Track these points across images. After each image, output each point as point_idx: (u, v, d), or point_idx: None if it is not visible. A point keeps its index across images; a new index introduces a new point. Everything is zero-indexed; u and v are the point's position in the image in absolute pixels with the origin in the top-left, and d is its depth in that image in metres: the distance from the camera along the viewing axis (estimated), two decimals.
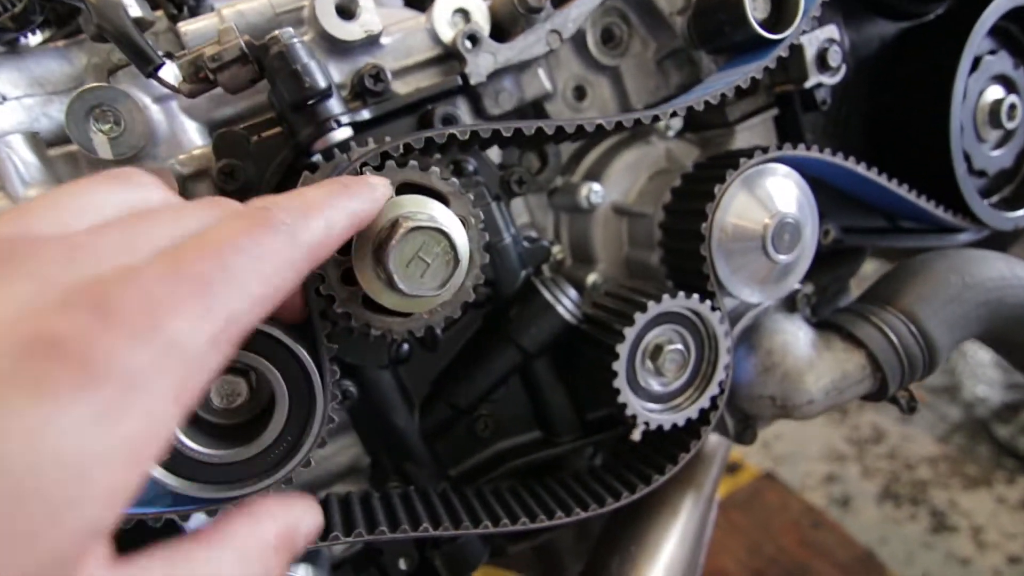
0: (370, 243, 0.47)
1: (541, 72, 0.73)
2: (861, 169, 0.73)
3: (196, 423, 0.52)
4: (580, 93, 0.79)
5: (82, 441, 0.24)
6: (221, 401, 0.53)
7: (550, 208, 0.83)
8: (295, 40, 0.54)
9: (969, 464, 2.42)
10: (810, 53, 0.74)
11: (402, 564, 0.68)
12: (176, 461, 0.50)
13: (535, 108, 0.76)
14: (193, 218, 0.34)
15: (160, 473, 0.49)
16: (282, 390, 0.51)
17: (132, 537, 0.40)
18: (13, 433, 0.23)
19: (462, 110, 0.68)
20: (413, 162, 0.52)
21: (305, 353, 0.51)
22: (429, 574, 0.70)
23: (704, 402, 0.68)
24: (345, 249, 0.48)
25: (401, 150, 0.53)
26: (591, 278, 0.80)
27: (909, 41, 0.86)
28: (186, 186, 0.62)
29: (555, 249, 0.81)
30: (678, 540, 0.78)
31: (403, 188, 0.52)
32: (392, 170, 0.51)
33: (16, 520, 0.23)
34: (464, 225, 0.52)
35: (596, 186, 0.78)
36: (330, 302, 0.50)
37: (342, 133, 0.57)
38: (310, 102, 0.55)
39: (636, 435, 0.75)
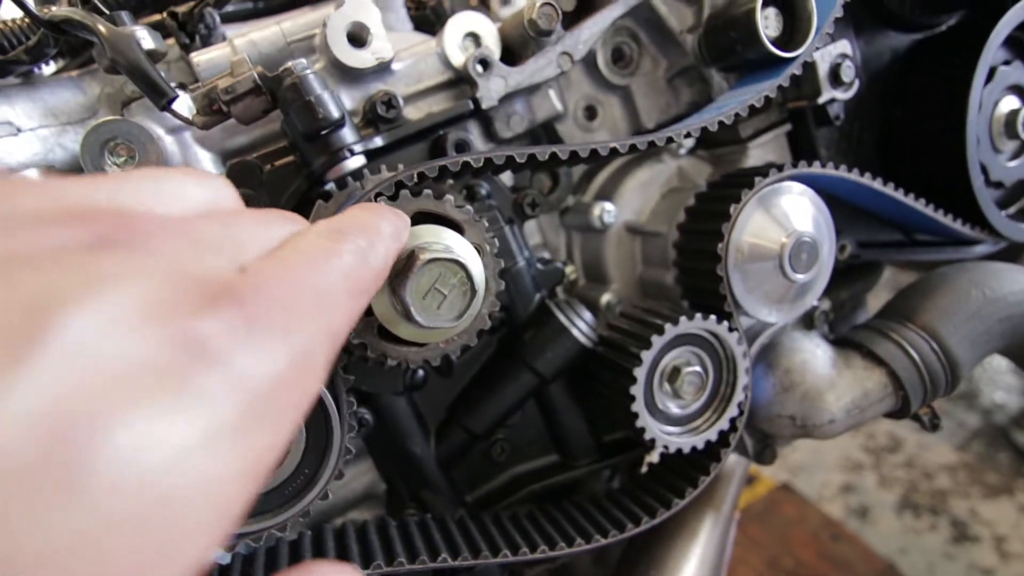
0: (388, 274, 0.47)
1: (552, 93, 0.73)
2: (877, 184, 0.72)
3: None
4: (591, 113, 0.79)
5: (220, 457, 0.22)
6: None
7: (562, 228, 0.82)
8: (308, 71, 0.54)
9: (989, 472, 2.38)
10: (823, 69, 0.73)
11: None
12: None
13: (546, 129, 0.76)
14: (280, 227, 0.32)
15: None
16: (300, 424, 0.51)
17: None
18: (154, 439, 0.20)
19: (474, 134, 0.68)
20: (427, 191, 0.52)
21: (321, 385, 0.51)
22: None
23: (723, 424, 0.67)
24: None
25: (415, 179, 0.52)
26: (605, 298, 0.79)
27: (922, 53, 0.85)
28: None
29: (568, 269, 0.80)
30: (698, 563, 0.77)
31: (417, 217, 0.52)
32: (407, 199, 0.51)
33: (137, 549, 0.20)
34: (479, 253, 0.52)
35: (609, 206, 0.77)
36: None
37: (355, 162, 0.57)
38: (323, 132, 0.55)
39: (655, 458, 0.74)
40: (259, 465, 0.24)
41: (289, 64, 0.54)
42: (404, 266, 0.46)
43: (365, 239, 0.34)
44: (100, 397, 0.19)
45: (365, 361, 0.53)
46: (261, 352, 0.24)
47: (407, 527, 0.63)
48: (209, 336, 0.23)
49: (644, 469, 0.80)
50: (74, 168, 0.67)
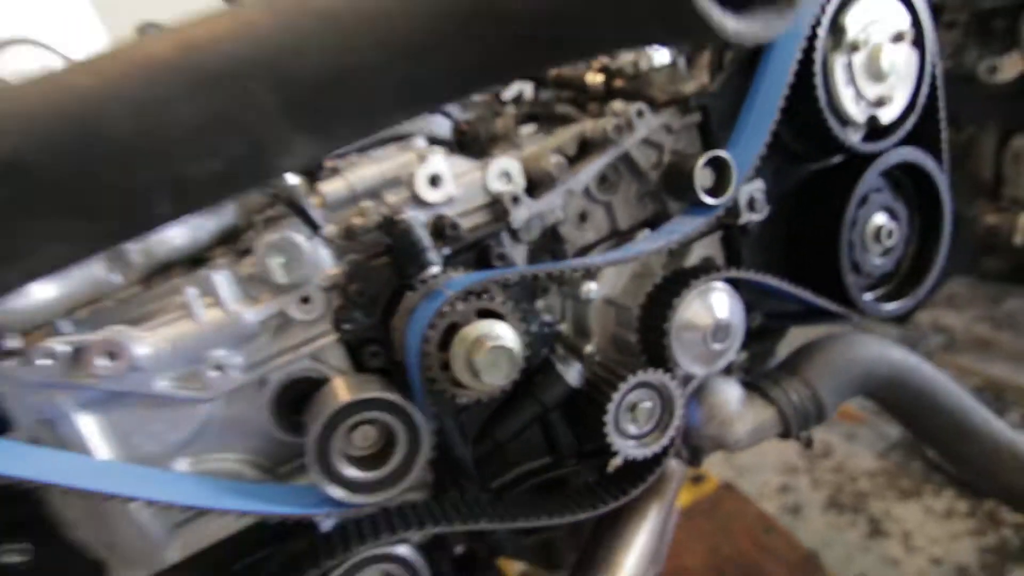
0: (463, 351, 0.80)
1: (557, 208, 1.06)
2: (775, 281, 1.06)
3: (348, 458, 0.83)
4: (583, 217, 1.11)
5: None
6: (362, 443, 0.84)
7: (558, 295, 1.15)
8: (413, 220, 0.86)
9: (903, 478, 2.74)
10: (742, 201, 1.07)
11: (458, 549, 1.01)
12: (340, 482, 0.81)
13: (551, 229, 1.09)
14: None
15: (331, 489, 0.81)
16: (403, 436, 0.83)
17: None
18: None
19: (506, 243, 1.00)
20: (486, 294, 0.84)
21: (419, 412, 0.83)
22: (474, 557, 1.03)
23: (666, 440, 1.01)
24: (443, 346, 0.81)
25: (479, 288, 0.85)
26: (588, 348, 1.12)
27: (815, 180, 1.20)
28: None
29: (562, 326, 1.13)
30: (646, 536, 1.11)
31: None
32: (474, 302, 0.83)
33: None
34: (516, 332, 0.84)
35: (593, 285, 1.10)
36: (432, 383, 0.82)
37: (434, 269, 0.89)
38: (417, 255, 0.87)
39: (619, 462, 1.08)
40: None
41: (403, 215, 0.86)
42: (475, 347, 0.79)
43: None
44: None
45: (440, 396, 0.85)
46: None
47: (455, 503, 0.96)
48: None
49: (611, 469, 1.14)
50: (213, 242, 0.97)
